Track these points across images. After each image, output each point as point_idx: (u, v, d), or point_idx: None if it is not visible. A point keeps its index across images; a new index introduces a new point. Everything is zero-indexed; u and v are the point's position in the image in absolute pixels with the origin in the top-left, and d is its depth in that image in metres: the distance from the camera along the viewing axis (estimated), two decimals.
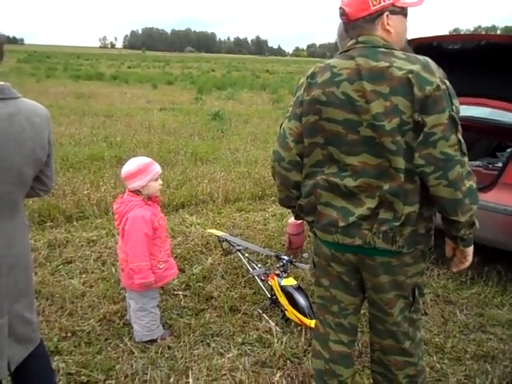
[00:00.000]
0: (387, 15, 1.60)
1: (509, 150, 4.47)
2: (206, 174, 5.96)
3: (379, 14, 1.60)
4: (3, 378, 1.71)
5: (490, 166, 3.90)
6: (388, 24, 1.61)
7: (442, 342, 2.77)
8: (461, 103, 4.25)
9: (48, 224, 4.32)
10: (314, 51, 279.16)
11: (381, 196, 1.61)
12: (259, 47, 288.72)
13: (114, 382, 2.35)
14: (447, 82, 1.53)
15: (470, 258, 1.75)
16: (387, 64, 1.53)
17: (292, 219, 3.91)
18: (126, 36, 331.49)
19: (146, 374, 2.41)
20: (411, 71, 1.49)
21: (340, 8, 1.66)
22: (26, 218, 1.78)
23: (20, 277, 1.66)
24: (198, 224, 4.48)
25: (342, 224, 1.68)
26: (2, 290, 1.60)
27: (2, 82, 1.55)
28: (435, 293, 3.32)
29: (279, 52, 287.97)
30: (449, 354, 2.67)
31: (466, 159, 1.53)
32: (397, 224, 1.61)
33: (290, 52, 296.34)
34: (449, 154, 1.50)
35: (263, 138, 8.89)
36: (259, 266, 3.38)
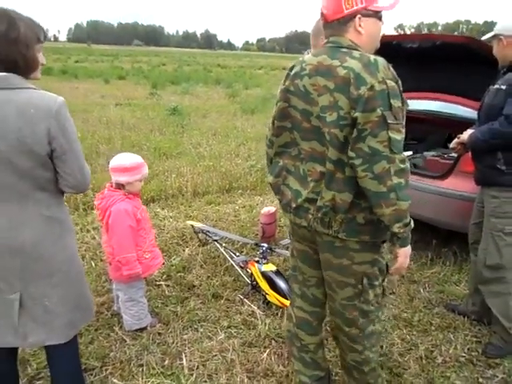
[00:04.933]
0: (359, 18, 1.72)
1: None
2: (172, 169, 6.03)
3: (352, 16, 1.72)
4: (19, 347, 1.98)
5: (446, 155, 4.22)
6: (360, 26, 1.73)
7: (409, 316, 3.04)
8: (416, 98, 4.53)
9: None
10: (263, 45, 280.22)
11: (320, 181, 1.78)
12: (208, 41, 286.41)
13: (110, 367, 2.45)
14: (390, 83, 1.61)
15: (405, 261, 1.82)
16: (338, 63, 1.67)
17: (265, 209, 4.10)
18: (70, 29, 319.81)
19: (140, 359, 2.52)
20: (353, 71, 1.62)
21: (320, 10, 1.82)
22: (58, 212, 1.80)
23: (31, 264, 1.73)
24: (171, 217, 4.58)
25: (293, 205, 1.89)
26: (10, 270, 1.72)
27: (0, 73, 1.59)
28: None
29: (229, 46, 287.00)
30: (416, 327, 2.93)
31: (396, 156, 1.61)
32: (327, 210, 1.76)
33: (240, 46, 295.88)
34: (376, 149, 1.60)
35: (224, 132, 9.01)
36: (237, 254, 3.54)
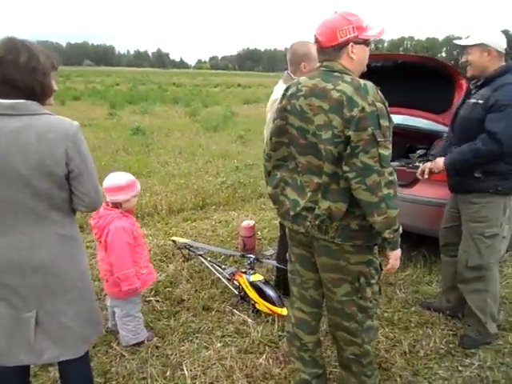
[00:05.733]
0: (352, 45, 1.95)
1: (418, 151, 5.16)
2: (145, 188, 6.06)
3: (345, 44, 1.95)
4: (34, 364, 2.05)
5: (410, 165, 4.52)
6: (352, 52, 1.96)
7: (390, 316, 3.25)
8: None
9: None
10: (216, 63, 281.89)
11: (317, 191, 1.98)
12: (160, 60, 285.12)
13: (114, 382, 2.52)
14: (378, 105, 1.81)
15: (395, 263, 2.04)
16: (332, 86, 1.88)
17: (244, 223, 4.24)
18: None
19: (142, 372, 2.60)
20: (345, 94, 1.82)
21: (314, 36, 2.02)
22: (72, 231, 1.89)
23: (48, 281, 1.79)
24: (150, 235, 4.64)
25: (292, 213, 2.09)
26: (28, 288, 1.78)
27: (19, 100, 1.68)
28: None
29: (182, 64, 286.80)
30: (397, 325, 3.14)
31: (386, 170, 1.81)
32: (324, 218, 1.95)
33: (193, 64, 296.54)
34: (367, 163, 1.80)
35: (189, 150, 9.12)
36: (223, 267, 3.65)
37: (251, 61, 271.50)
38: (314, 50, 3.08)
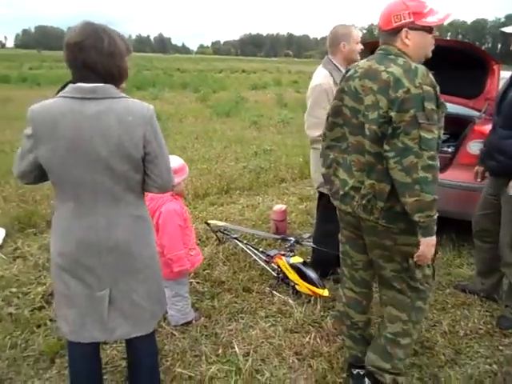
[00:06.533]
0: (406, 31, 1.98)
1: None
2: None
3: (399, 29, 1.99)
4: (106, 340, 2.09)
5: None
6: (406, 37, 1.99)
7: None
8: None
9: (31, 230, 4.31)
10: (219, 48, 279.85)
11: (363, 171, 2.04)
12: (162, 45, 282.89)
13: (170, 359, 2.61)
14: (426, 88, 1.82)
15: (426, 250, 1.93)
16: (383, 68, 1.94)
17: (276, 207, 4.31)
18: (18, 35, 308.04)
19: (194, 350, 2.69)
20: (393, 75, 1.87)
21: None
22: (144, 212, 1.96)
23: (122, 260, 1.87)
24: None
25: (341, 192, 2.16)
26: (103, 267, 1.85)
27: (99, 84, 1.73)
28: None
29: (184, 49, 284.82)
30: (435, 306, 3.22)
31: (425, 153, 1.79)
32: (370, 197, 2.00)
33: (195, 50, 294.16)
34: (407, 144, 1.81)
35: (206, 136, 9.15)
36: (261, 249, 3.73)
37: (253, 46, 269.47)
38: (354, 32, 3.15)
